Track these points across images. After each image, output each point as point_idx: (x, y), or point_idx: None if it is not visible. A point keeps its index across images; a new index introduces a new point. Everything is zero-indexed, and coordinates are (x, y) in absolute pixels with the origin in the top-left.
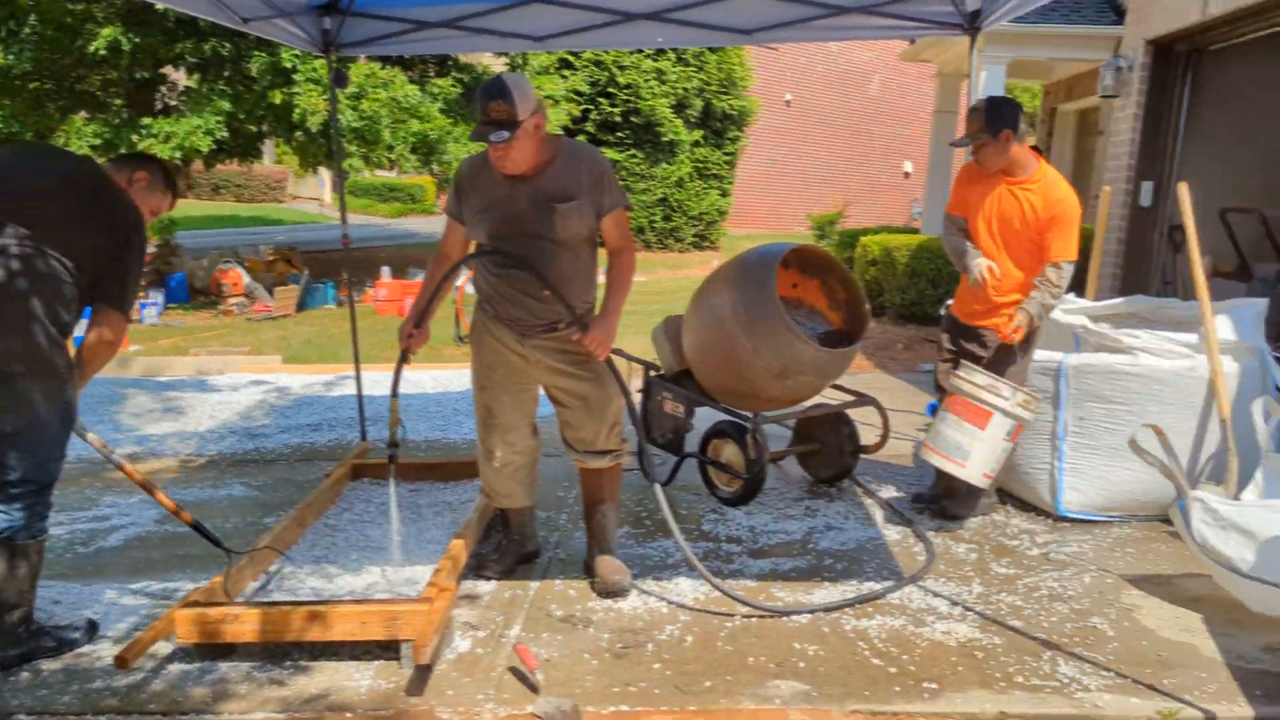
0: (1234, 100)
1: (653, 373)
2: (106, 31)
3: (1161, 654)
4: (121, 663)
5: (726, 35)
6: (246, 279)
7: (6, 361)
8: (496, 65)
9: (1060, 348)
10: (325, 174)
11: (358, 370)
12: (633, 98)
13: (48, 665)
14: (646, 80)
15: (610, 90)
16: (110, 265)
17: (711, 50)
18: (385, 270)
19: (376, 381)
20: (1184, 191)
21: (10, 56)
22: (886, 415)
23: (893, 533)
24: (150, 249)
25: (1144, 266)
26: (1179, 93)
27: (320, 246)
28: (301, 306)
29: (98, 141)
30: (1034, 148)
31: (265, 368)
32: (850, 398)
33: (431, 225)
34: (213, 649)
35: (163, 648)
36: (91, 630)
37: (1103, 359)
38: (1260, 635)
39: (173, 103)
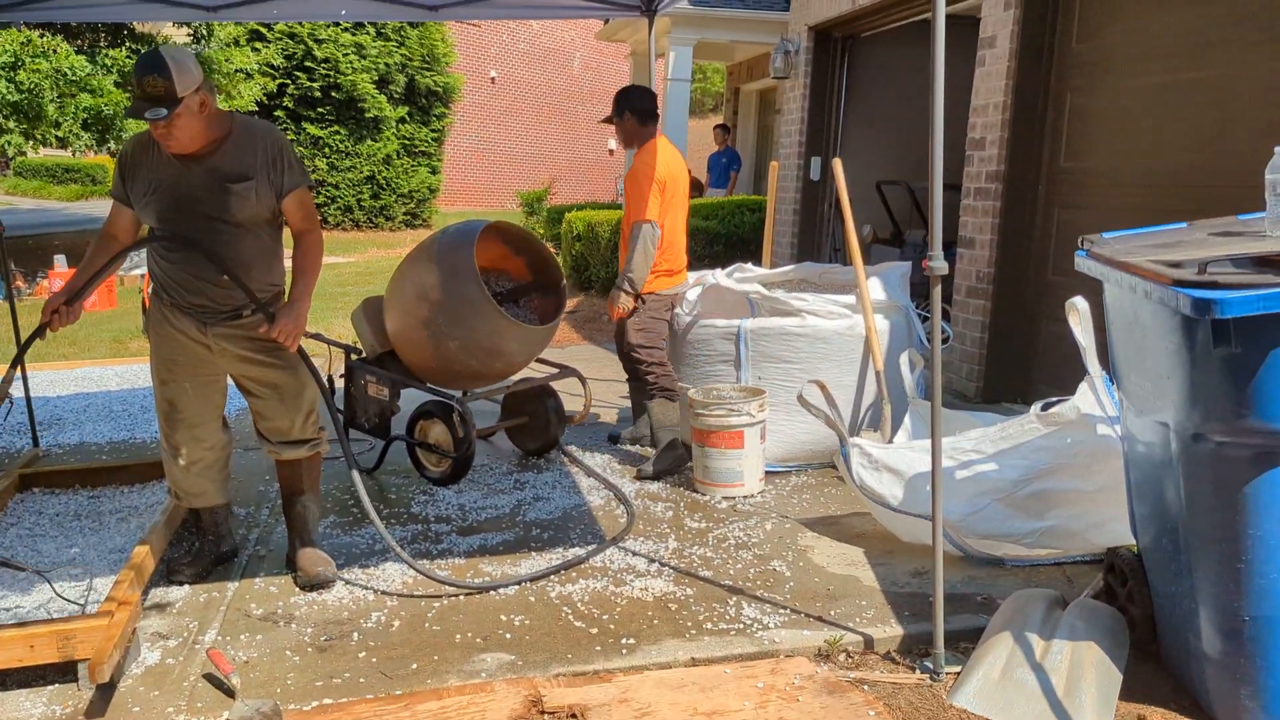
0: (884, 82)
1: (354, 356)
2: None
3: (830, 588)
4: None
5: (412, 10)
6: None
7: None
8: (178, 36)
9: (739, 314)
10: None
11: (23, 369)
12: (332, 72)
13: None
14: (346, 54)
15: (308, 64)
16: None
17: (412, 25)
18: (60, 259)
19: (52, 381)
20: (837, 166)
21: None
22: (588, 385)
23: (596, 498)
24: None
25: (817, 235)
26: (838, 75)
27: None
28: None
29: None
30: (721, 126)
31: None
32: (554, 370)
33: (101, 207)
34: None
35: None
36: None
37: (775, 322)
38: (909, 562)
39: None
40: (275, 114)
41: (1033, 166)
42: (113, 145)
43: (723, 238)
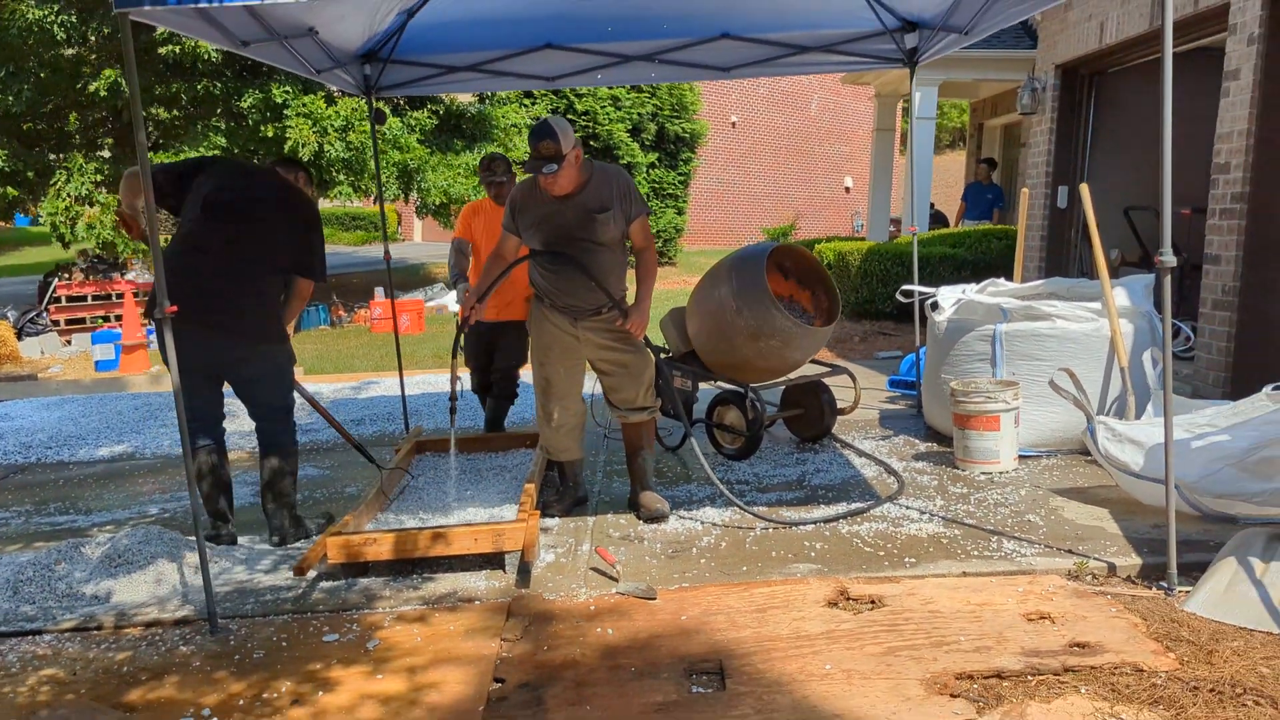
0: (1130, 115)
1: (662, 354)
2: (107, 73)
3: (1078, 533)
4: (300, 571)
5: (709, 72)
6: None
7: (252, 340)
8: (465, 98)
9: (992, 321)
10: None
11: (400, 372)
12: (591, 123)
13: (219, 589)
14: (603, 106)
15: (570, 117)
16: (303, 247)
17: None
18: (379, 291)
19: (391, 385)
20: (1084, 191)
21: (10, 98)
22: (858, 381)
23: (869, 471)
24: (150, 277)
25: (1063, 259)
26: (1085, 109)
27: None
28: (298, 328)
29: (99, 177)
30: (987, 160)
31: None
32: (827, 369)
33: (398, 251)
34: (352, 568)
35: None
36: (329, 523)
37: (1028, 325)
38: (1150, 519)
39: (156, 139)
40: None
41: (1277, 187)
42: (414, 194)
43: (970, 263)
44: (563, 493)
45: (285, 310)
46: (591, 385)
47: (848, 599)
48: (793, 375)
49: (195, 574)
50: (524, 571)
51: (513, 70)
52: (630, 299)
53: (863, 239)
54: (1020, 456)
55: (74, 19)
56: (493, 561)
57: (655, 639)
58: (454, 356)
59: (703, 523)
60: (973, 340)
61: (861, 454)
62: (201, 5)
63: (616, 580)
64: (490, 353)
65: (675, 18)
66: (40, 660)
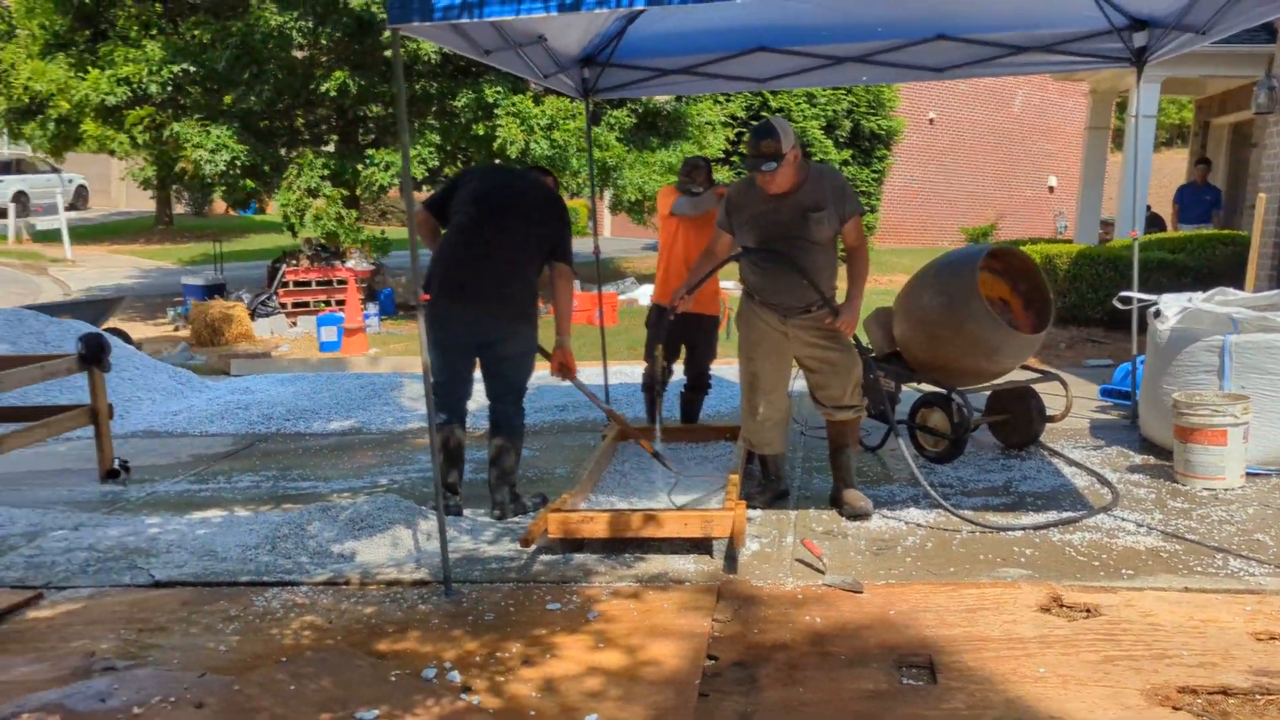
0: None
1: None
2: (337, 74)
3: None
4: (525, 543)
5: (921, 73)
6: None
7: (513, 321)
8: (662, 96)
9: (1218, 332)
10: None
11: (605, 362)
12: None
13: (452, 556)
14: (798, 103)
15: (763, 114)
16: (560, 238)
17: None
18: (575, 284)
19: (594, 375)
20: None
21: (253, 98)
22: (1069, 388)
23: (1080, 481)
24: (367, 265)
25: None
26: None
27: None
28: None
29: (325, 172)
30: (1203, 160)
31: None
32: (1037, 375)
33: (584, 245)
34: (568, 543)
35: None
36: (543, 502)
37: (1262, 337)
38: None
39: (373, 136)
40: (733, 159)
41: None
42: (610, 191)
43: (1191, 270)
44: (765, 485)
45: (558, 296)
46: (793, 381)
47: (1061, 606)
48: (999, 380)
49: (427, 540)
50: (731, 558)
51: (723, 73)
52: (841, 298)
53: (1068, 241)
54: (1247, 474)
55: (310, 24)
56: (699, 547)
57: (863, 630)
58: (657, 343)
59: (906, 523)
60: (1198, 351)
61: (1071, 463)
62: (456, 21)
63: (823, 572)
64: (679, 344)
65: (890, 20)
66: (299, 608)
